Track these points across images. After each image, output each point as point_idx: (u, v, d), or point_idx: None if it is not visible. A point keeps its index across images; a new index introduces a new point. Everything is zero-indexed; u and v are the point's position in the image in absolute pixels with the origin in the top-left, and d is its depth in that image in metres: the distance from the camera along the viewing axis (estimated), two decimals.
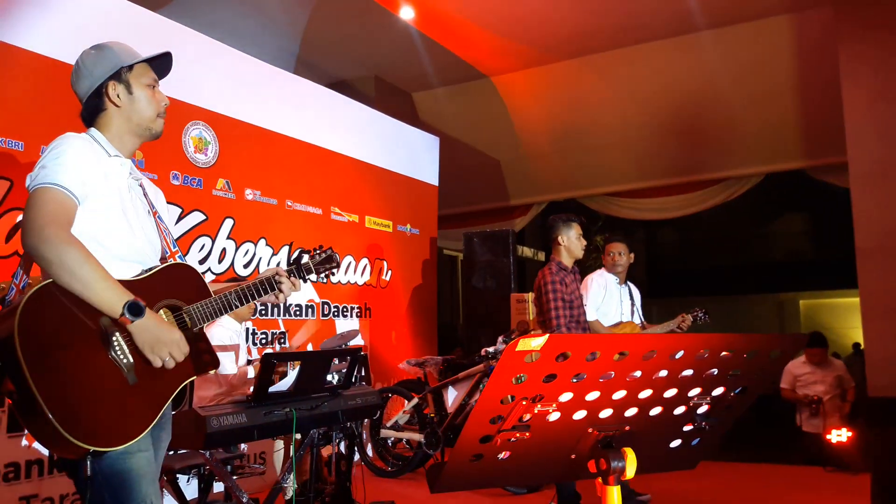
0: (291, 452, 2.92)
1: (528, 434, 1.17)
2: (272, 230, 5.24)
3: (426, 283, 7.12)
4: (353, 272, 6.08)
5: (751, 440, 5.93)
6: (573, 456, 1.27)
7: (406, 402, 5.51)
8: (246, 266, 5.00)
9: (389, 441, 5.63)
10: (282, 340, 5.27)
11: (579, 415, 1.19)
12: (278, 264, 5.37)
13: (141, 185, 2.13)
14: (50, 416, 1.62)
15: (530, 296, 6.65)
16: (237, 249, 4.95)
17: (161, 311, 1.93)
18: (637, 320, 4.70)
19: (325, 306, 5.72)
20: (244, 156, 5.05)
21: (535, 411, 1.15)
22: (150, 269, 1.97)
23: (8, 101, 3.64)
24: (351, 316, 5.99)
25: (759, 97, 7.39)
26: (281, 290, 2.17)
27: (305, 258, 2.30)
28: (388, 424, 5.49)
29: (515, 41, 7.30)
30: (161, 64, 2.11)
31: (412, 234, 6.99)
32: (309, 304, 5.56)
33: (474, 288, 7.06)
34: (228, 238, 4.87)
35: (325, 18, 6.77)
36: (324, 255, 2.32)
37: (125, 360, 1.78)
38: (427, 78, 8.14)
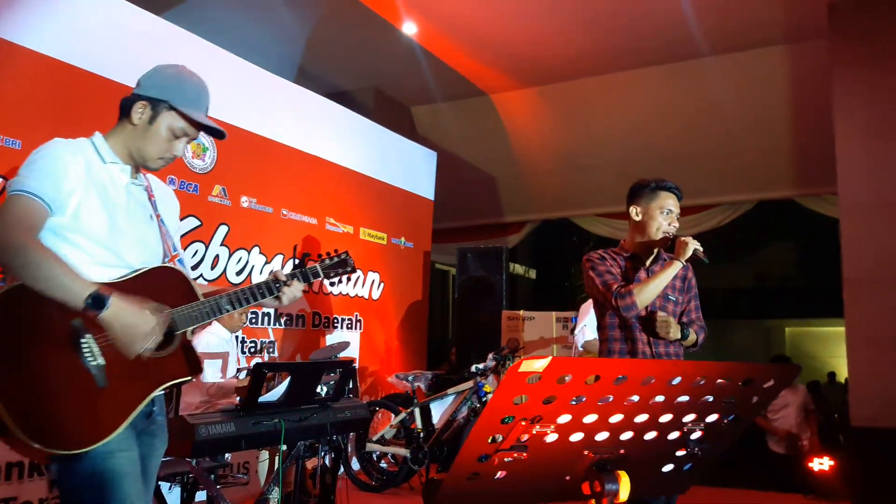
0: (278, 464, 2.91)
1: (525, 455, 1.18)
2: (266, 238, 5.24)
3: (418, 297, 7.13)
4: (345, 283, 6.08)
5: (723, 463, 5.95)
6: (568, 478, 1.28)
7: (393, 416, 5.50)
8: (238, 273, 4.99)
9: (375, 455, 5.61)
10: (271, 350, 5.25)
11: (576, 437, 1.21)
12: (271, 271, 5.39)
13: (147, 189, 2.10)
14: (10, 421, 1.62)
15: (522, 313, 6.67)
16: (230, 256, 4.94)
17: None
18: None
19: (316, 317, 5.71)
20: (242, 163, 5.06)
21: (534, 432, 1.16)
22: (135, 272, 1.93)
23: (6, 99, 3.64)
24: (341, 327, 5.98)
25: (753, 125, 7.49)
26: (282, 294, 2.12)
27: (310, 263, 2.24)
28: (374, 438, 5.47)
29: (516, 61, 7.37)
30: (211, 131, 2.09)
31: (406, 248, 7.00)
32: (300, 313, 5.55)
33: (466, 304, 7.07)
34: (222, 245, 4.86)
35: (328, 29, 6.82)
36: (336, 259, 2.28)
37: (94, 363, 1.75)
38: (427, 92, 8.19)
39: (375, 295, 6.47)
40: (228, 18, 6.44)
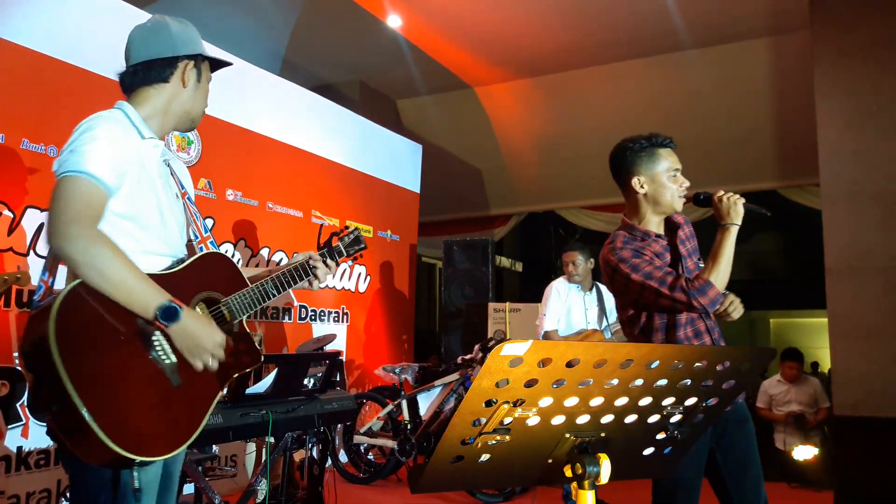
0: (265, 455, 2.92)
1: (508, 437, 1.20)
2: (252, 232, 5.23)
3: (404, 290, 7.14)
4: (331, 276, 6.07)
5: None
6: (550, 460, 1.30)
7: (381, 408, 5.52)
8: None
9: (362, 447, 5.63)
10: (258, 343, 5.24)
11: (558, 420, 1.23)
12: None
13: (169, 165, 1.97)
14: (95, 427, 1.49)
15: (508, 305, 6.70)
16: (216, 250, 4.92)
17: (197, 307, 1.81)
18: (605, 326, 4.67)
19: (303, 310, 5.71)
20: (227, 156, 5.04)
21: (516, 415, 1.18)
22: (183, 261, 1.82)
23: None
24: (328, 320, 5.98)
25: (737, 118, 7.55)
26: (317, 276, 2.08)
27: (335, 240, 2.22)
28: (362, 430, 5.49)
29: (501, 54, 7.38)
30: (223, 64, 2.05)
31: (392, 241, 7.01)
32: (286, 307, 5.55)
33: (453, 296, 7.09)
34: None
35: (313, 22, 6.80)
36: (352, 237, 2.24)
37: (167, 361, 1.66)
38: (412, 85, 8.19)
39: (362, 288, 6.48)
40: (212, 11, 6.39)
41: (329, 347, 5.01)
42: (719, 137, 7.77)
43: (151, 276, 1.67)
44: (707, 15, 6.39)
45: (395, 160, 7.22)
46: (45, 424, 1.73)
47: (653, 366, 1.21)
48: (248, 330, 1.90)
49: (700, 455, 2.24)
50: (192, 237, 1.99)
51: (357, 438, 5.47)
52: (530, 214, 9.55)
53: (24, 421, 3.60)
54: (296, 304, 5.64)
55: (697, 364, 1.25)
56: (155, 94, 1.86)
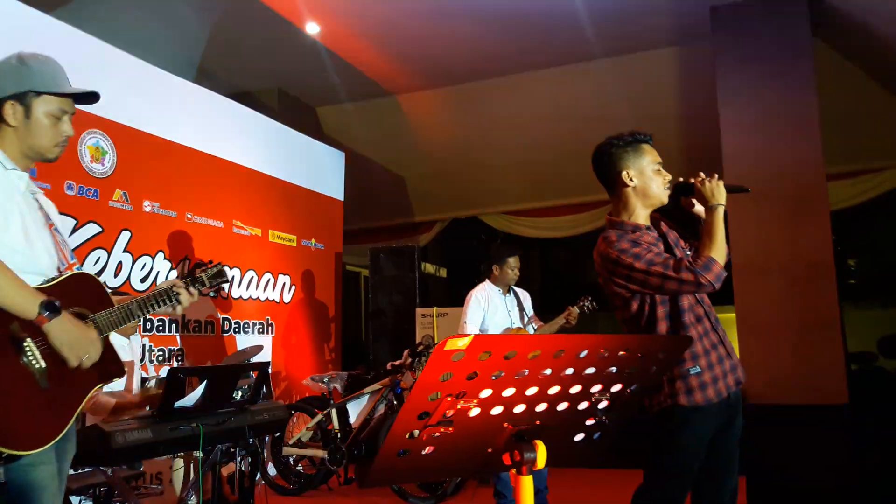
0: (199, 469, 2.87)
1: (451, 429, 1.26)
2: (171, 243, 5.10)
3: (330, 299, 7.10)
4: (255, 287, 5.99)
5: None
6: (489, 450, 1.37)
7: (310, 418, 5.48)
8: (143, 280, 4.84)
9: (291, 459, 5.57)
10: (180, 358, 5.12)
11: (496, 410, 1.30)
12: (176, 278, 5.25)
13: (36, 199, 2.11)
14: None
15: (435, 310, 6.78)
16: (134, 263, 4.78)
17: None
18: (527, 322, 4.81)
19: (227, 322, 5.61)
20: (143, 167, 4.91)
21: (458, 407, 1.24)
22: (53, 279, 1.96)
23: None
24: (253, 332, 5.89)
25: (647, 123, 7.84)
26: (179, 302, 2.20)
27: (198, 271, 2.35)
28: (291, 442, 5.43)
29: (419, 62, 7.46)
30: (85, 97, 2.07)
31: (317, 249, 6.97)
32: (209, 320, 5.43)
33: (380, 303, 7.11)
34: (125, 251, 4.70)
35: (229, 29, 6.68)
36: (214, 270, 2.36)
37: (37, 365, 1.79)
38: (332, 93, 8.16)
39: (287, 298, 6.41)
40: (123, 16, 6.20)
41: (256, 359, 4.94)
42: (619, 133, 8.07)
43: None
44: (614, 25, 6.65)
45: (317, 168, 7.18)
46: None
47: (582, 355, 1.29)
48: (112, 345, 2.05)
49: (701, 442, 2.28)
50: (60, 265, 2.09)
51: (286, 450, 5.41)
52: (454, 220, 9.67)
53: None
54: (218, 316, 5.53)
55: (621, 352, 1.35)
56: (2, 135, 1.99)
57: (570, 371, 1.31)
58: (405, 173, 9.26)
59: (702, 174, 2.37)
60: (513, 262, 4.72)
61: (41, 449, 1.75)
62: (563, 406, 1.38)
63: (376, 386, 5.36)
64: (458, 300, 6.98)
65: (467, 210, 9.45)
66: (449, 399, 1.21)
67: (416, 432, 1.23)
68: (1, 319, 1.75)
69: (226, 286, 2.59)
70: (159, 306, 2.16)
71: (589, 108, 7.90)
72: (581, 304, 4.76)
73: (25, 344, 1.77)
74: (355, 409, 5.54)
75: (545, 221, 9.34)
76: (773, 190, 5.50)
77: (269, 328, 6.11)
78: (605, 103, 7.80)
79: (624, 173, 2.43)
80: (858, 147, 7.34)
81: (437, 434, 1.25)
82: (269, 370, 5.71)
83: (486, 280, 4.83)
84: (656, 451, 2.35)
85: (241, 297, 5.82)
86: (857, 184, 7.71)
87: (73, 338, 1.83)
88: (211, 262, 2.40)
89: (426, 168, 9.03)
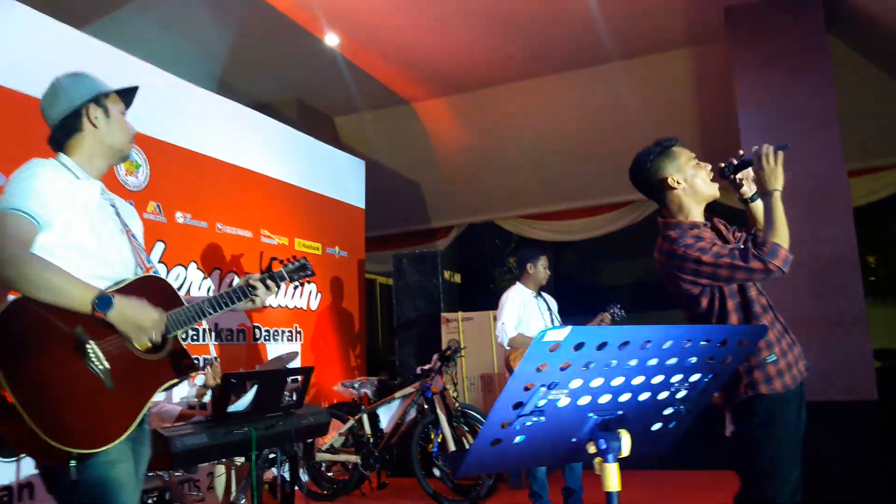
0: (252, 472, 2.92)
1: (543, 419, 1.31)
2: (203, 253, 5.18)
3: (354, 305, 7.16)
4: (283, 295, 6.06)
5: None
6: (574, 439, 1.42)
7: (341, 424, 5.53)
8: (178, 290, 4.90)
9: (323, 465, 5.61)
10: (213, 366, 5.17)
11: (584, 400, 1.35)
12: (209, 289, 5.33)
13: (113, 206, 2.20)
14: (28, 420, 1.68)
15: (460, 315, 6.82)
16: (168, 273, 4.85)
17: None
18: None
19: (257, 330, 5.67)
20: (175, 179, 4.98)
21: (549, 398, 1.29)
22: (123, 281, 2.04)
23: None
24: (282, 340, 5.95)
25: (661, 126, 7.90)
26: (256, 296, 2.27)
27: (276, 265, 2.41)
28: (324, 448, 5.48)
29: (435, 71, 7.53)
30: (128, 97, 2.23)
31: (341, 257, 7.04)
32: (241, 328, 5.50)
33: (405, 309, 7.16)
34: (160, 262, 4.77)
35: (249, 41, 6.78)
36: (297, 264, 2.46)
37: (101, 367, 1.85)
38: (350, 102, 8.25)
39: (314, 305, 6.47)
40: (146, 31, 6.30)
41: (291, 365, 4.99)
42: (645, 146, 8.12)
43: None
44: (629, 27, 6.70)
45: (339, 176, 7.26)
46: None
47: (666, 345, 1.34)
48: (182, 344, 2.11)
49: (796, 443, 2.33)
50: (138, 269, 2.19)
51: (320, 456, 5.46)
52: (470, 225, 9.72)
53: None
54: (250, 325, 5.59)
55: (703, 342, 1.39)
56: (77, 143, 2.09)
57: (653, 361, 1.36)
58: (421, 179, 9.33)
59: (765, 146, 2.39)
60: (544, 260, 4.81)
61: (111, 445, 1.80)
62: (644, 395, 1.43)
63: (408, 390, 5.41)
64: (473, 305, 7.05)
65: (483, 215, 9.49)
66: (542, 389, 1.26)
67: (511, 422, 1.29)
68: (66, 321, 1.81)
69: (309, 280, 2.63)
70: (233, 302, 2.22)
71: (604, 111, 7.95)
72: (612, 311, 4.86)
73: (88, 347, 1.83)
74: (385, 415, 5.58)
75: (560, 225, 9.37)
76: (794, 188, 5.49)
77: (298, 335, 6.17)
78: (620, 106, 7.85)
79: (669, 179, 2.48)
80: (875, 143, 7.36)
81: (530, 423, 1.30)
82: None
83: (517, 282, 4.89)
84: (751, 451, 2.33)
85: (270, 305, 5.89)
86: (874, 180, 7.72)
87: (133, 324, 1.89)
88: (294, 257, 2.47)
89: (442, 173, 9.09)
